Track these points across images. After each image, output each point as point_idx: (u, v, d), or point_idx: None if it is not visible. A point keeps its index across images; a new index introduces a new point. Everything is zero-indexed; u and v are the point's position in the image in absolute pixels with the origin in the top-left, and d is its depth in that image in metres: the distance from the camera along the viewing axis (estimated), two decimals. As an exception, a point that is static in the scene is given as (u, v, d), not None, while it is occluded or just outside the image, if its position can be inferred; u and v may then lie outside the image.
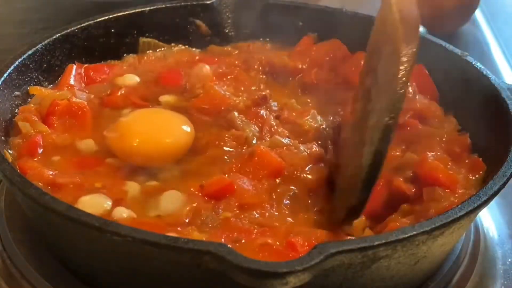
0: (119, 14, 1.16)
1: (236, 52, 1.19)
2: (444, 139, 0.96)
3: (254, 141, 0.94)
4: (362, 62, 1.12)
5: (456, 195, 0.85)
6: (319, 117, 1.01)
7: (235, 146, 0.93)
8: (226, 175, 0.86)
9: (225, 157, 0.91)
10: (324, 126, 0.99)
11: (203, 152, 0.93)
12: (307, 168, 0.90)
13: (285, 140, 0.94)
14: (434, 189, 0.85)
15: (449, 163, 0.90)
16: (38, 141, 0.91)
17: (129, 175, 0.89)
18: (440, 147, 0.94)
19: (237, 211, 0.82)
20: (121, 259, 0.73)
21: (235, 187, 0.84)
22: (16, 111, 0.96)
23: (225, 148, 0.92)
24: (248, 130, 0.95)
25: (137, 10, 1.17)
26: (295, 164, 0.89)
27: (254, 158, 0.88)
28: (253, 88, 1.08)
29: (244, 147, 0.93)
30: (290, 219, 0.84)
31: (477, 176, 0.90)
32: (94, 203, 0.82)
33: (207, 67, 1.08)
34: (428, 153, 0.90)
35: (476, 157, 0.93)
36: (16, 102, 0.97)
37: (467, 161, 0.93)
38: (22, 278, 0.82)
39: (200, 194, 0.83)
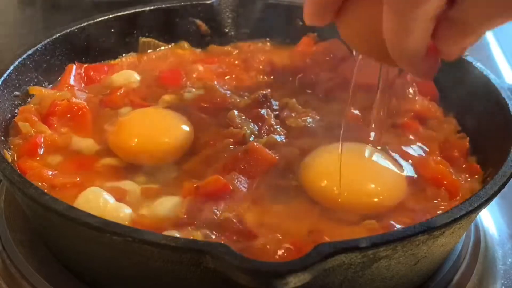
0: (119, 14, 1.16)
1: (236, 52, 1.20)
2: (443, 142, 0.97)
3: (251, 139, 0.94)
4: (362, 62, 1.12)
5: (456, 201, 0.85)
6: (317, 118, 1.01)
7: (232, 144, 0.93)
8: (221, 174, 0.86)
9: (222, 156, 0.90)
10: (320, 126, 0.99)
11: (201, 151, 0.93)
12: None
13: (281, 139, 0.94)
14: (439, 190, 0.86)
15: (451, 169, 0.91)
16: (38, 141, 0.91)
17: (128, 175, 0.89)
18: (439, 150, 0.95)
19: (237, 212, 0.82)
20: (121, 259, 0.73)
21: (231, 187, 0.84)
22: (16, 111, 0.96)
23: (222, 147, 0.92)
24: (246, 128, 0.95)
25: (137, 10, 1.17)
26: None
27: (248, 155, 0.88)
28: (253, 87, 1.08)
29: (242, 144, 0.93)
30: (290, 218, 0.84)
31: (473, 181, 0.90)
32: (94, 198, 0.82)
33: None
34: (430, 156, 0.91)
35: (473, 162, 0.93)
36: (16, 102, 0.97)
37: (464, 165, 0.93)
38: (22, 278, 0.82)
39: (197, 195, 0.83)
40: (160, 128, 0.96)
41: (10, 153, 0.89)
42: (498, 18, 0.63)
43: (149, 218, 0.81)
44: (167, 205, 0.83)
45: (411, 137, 0.98)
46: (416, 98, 1.03)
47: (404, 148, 0.95)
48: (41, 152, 0.91)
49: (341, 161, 0.85)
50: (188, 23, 1.21)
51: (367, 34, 0.71)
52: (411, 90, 1.05)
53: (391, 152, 0.93)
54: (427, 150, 0.95)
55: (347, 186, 0.85)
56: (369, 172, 0.89)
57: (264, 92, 1.03)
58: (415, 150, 0.95)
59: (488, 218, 0.99)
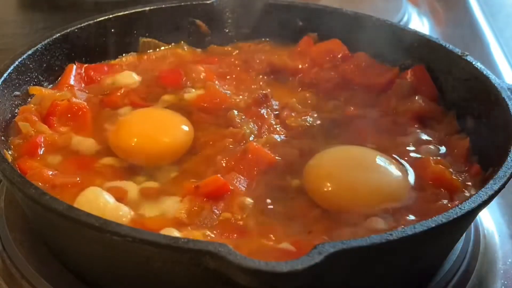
0: (119, 14, 1.16)
1: (236, 52, 1.20)
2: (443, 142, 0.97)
3: (251, 139, 0.94)
4: (362, 62, 1.13)
5: (456, 201, 0.85)
6: (317, 118, 1.01)
7: (232, 144, 0.93)
8: (221, 174, 0.86)
9: (221, 156, 0.90)
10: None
11: (201, 151, 0.93)
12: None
13: (281, 139, 0.94)
14: (439, 190, 0.86)
15: (450, 169, 0.91)
16: (38, 141, 0.91)
17: (128, 175, 0.89)
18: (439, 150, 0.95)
19: (237, 211, 0.82)
20: (121, 259, 0.73)
21: (231, 187, 0.84)
22: (16, 111, 0.96)
23: (222, 147, 0.92)
24: (245, 127, 0.95)
25: (137, 10, 1.17)
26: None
27: (248, 155, 0.89)
28: (253, 87, 1.08)
29: (242, 144, 0.93)
30: (290, 218, 0.84)
31: (473, 180, 0.90)
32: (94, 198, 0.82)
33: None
34: (430, 157, 0.91)
35: (474, 162, 0.93)
36: (16, 102, 0.97)
37: (464, 165, 0.93)
38: (22, 278, 0.82)
39: (196, 195, 0.83)
40: (160, 128, 0.96)
41: (10, 153, 0.89)
42: None
43: (148, 218, 0.81)
44: (167, 205, 0.83)
45: (411, 137, 0.98)
46: (416, 98, 1.03)
47: (404, 148, 0.95)
48: (41, 152, 0.91)
49: (343, 164, 0.86)
50: (188, 23, 1.21)
51: None
52: (411, 90, 1.05)
53: (391, 153, 0.93)
54: (427, 150, 0.95)
55: (351, 190, 0.85)
56: (371, 175, 0.88)
57: (264, 92, 1.03)
58: (415, 150, 0.95)
59: (488, 218, 0.99)
